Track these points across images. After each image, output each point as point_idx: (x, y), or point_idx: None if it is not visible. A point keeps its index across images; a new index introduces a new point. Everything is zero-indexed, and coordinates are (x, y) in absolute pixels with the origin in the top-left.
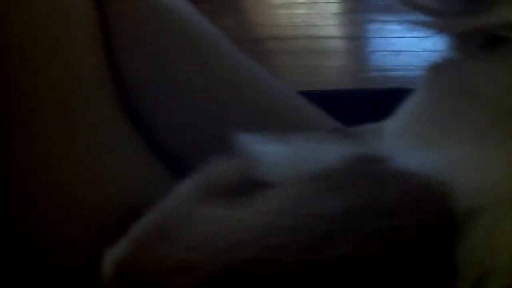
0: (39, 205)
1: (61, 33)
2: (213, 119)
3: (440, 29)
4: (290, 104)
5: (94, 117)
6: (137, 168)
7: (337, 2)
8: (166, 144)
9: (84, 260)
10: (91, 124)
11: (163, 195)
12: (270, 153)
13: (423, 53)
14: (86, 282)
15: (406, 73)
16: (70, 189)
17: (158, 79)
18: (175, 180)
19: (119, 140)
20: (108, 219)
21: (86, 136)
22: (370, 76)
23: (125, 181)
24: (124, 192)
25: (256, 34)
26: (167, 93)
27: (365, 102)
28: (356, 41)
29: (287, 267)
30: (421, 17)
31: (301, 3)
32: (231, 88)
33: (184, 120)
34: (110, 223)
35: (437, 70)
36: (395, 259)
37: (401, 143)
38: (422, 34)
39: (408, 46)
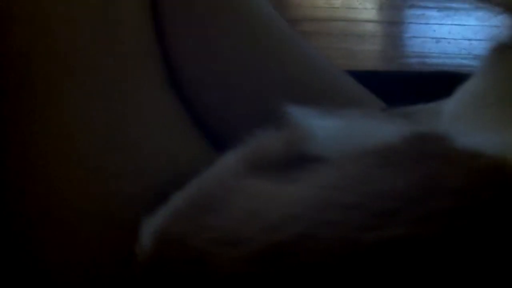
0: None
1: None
2: (259, 92)
3: (505, 8)
4: (339, 82)
5: (139, 85)
6: (180, 140)
7: None
8: (212, 122)
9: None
10: (140, 97)
11: (206, 167)
12: (323, 126)
13: (463, 41)
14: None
15: (445, 61)
16: (115, 158)
17: (204, 51)
18: (217, 155)
19: (166, 115)
20: (150, 191)
21: (135, 109)
22: (408, 62)
23: (170, 154)
24: (169, 165)
25: (293, 15)
26: (212, 65)
27: (405, 85)
28: (395, 26)
29: (342, 245)
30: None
31: None
32: (280, 63)
33: (231, 95)
34: (148, 193)
35: (501, 51)
36: (459, 241)
37: (463, 125)
38: (463, 21)
39: (448, 34)
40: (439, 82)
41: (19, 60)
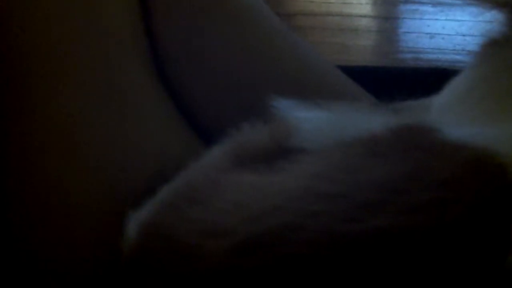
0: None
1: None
2: (248, 86)
3: (496, 3)
4: (330, 77)
5: (130, 79)
6: (169, 134)
7: None
8: (199, 113)
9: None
10: (127, 86)
11: (193, 160)
12: (309, 119)
13: (457, 36)
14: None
15: (439, 56)
16: (114, 155)
17: (193, 45)
18: (205, 148)
19: (153, 105)
20: (136, 183)
21: (121, 98)
22: (402, 57)
23: (156, 145)
24: (154, 156)
25: (287, 9)
26: (201, 59)
27: (397, 80)
28: (390, 21)
29: (326, 236)
30: None
31: None
32: (270, 57)
33: (220, 88)
34: (137, 187)
35: (492, 46)
36: (445, 232)
37: (452, 118)
38: (457, 17)
39: (443, 29)
40: (432, 78)
41: (19, 60)
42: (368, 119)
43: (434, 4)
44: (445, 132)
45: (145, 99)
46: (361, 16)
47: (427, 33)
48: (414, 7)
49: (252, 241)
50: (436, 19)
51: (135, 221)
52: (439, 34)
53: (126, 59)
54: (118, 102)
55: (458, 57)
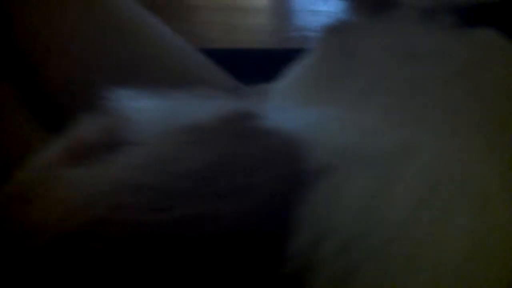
0: None
1: None
2: (96, 74)
3: None
4: (189, 63)
5: None
6: (14, 127)
7: None
8: (61, 101)
9: None
10: None
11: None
12: (142, 109)
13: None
14: None
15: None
16: None
17: (48, 33)
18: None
19: None
20: None
21: None
22: (291, 36)
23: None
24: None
25: None
26: (55, 44)
27: (269, 61)
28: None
29: (135, 228)
30: None
31: None
32: (122, 45)
33: (72, 76)
34: None
35: (331, 32)
36: (244, 219)
37: (285, 103)
38: None
39: (328, 7)
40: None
41: None
42: (202, 107)
43: None
44: (265, 119)
45: None
46: None
47: (313, 11)
48: None
49: (60, 240)
50: None
51: None
52: (326, 11)
53: None
54: None
55: None
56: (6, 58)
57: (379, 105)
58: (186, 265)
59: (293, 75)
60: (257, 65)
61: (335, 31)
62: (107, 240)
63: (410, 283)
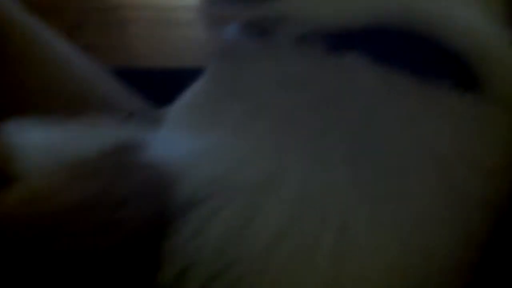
0: None
1: None
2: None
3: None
4: (93, 85)
5: None
6: None
7: None
8: None
9: None
10: None
11: None
12: (30, 143)
13: None
14: None
15: None
16: None
17: None
18: None
19: None
20: None
21: None
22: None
23: None
24: None
25: (108, 3)
26: None
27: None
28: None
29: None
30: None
31: None
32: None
33: None
34: None
35: (220, 57)
36: (111, 255)
37: (173, 128)
38: None
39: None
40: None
41: None
42: (89, 139)
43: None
44: (148, 149)
45: None
46: (181, 7)
47: None
48: None
49: None
50: None
51: None
52: None
53: None
54: None
55: None
56: None
57: (255, 132)
58: None
59: (185, 98)
60: (179, 84)
61: (225, 54)
62: None
63: None
